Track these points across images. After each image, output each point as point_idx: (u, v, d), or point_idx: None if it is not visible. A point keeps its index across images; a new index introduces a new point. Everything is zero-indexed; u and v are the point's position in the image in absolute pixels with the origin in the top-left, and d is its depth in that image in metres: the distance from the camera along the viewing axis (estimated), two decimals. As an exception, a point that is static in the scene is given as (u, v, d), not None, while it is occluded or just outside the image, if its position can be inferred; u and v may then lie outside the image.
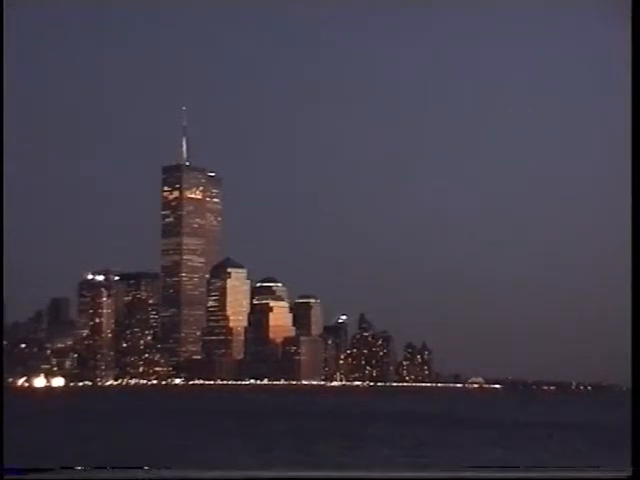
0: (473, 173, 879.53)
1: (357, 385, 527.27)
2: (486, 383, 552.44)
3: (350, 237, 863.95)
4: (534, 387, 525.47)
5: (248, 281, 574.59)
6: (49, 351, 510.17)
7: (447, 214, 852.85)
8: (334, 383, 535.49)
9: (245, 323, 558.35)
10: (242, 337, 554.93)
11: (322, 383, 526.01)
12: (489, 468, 57.08)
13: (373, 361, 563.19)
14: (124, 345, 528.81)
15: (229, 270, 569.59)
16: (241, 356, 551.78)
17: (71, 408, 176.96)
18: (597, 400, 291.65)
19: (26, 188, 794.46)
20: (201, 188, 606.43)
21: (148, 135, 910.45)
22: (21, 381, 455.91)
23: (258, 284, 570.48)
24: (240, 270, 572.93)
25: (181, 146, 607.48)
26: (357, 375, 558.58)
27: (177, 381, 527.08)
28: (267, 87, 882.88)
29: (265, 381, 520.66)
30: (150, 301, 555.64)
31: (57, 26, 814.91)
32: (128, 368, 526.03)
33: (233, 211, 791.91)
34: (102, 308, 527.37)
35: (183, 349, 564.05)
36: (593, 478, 15.16)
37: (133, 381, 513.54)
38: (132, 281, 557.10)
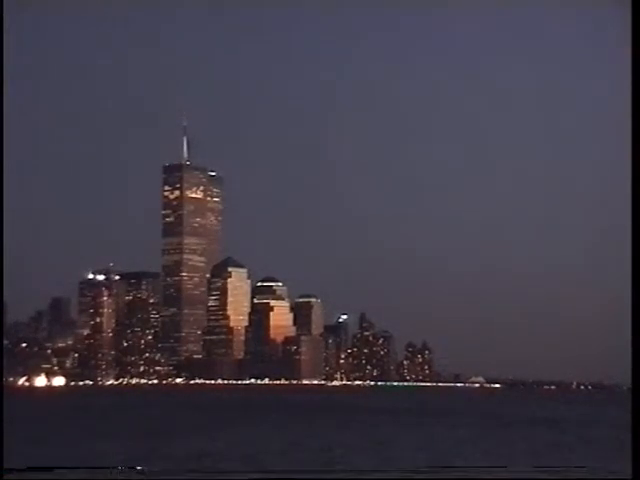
0: (473, 173, 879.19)
1: (358, 384, 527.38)
2: (486, 383, 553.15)
3: (350, 237, 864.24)
4: (534, 387, 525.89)
5: (249, 280, 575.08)
6: (50, 350, 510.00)
7: (447, 214, 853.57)
8: (335, 383, 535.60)
9: (246, 322, 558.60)
10: (243, 336, 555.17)
11: (323, 382, 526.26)
12: (489, 468, 57.28)
13: (374, 360, 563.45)
14: (125, 344, 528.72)
15: (230, 269, 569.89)
16: (242, 355, 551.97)
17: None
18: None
19: (26, 188, 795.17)
20: (202, 188, 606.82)
21: (148, 135, 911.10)
22: (22, 380, 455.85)
23: (259, 283, 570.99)
24: (241, 269, 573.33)
25: (181, 146, 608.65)
26: (358, 374, 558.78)
27: (178, 380, 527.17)
28: (267, 87, 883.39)
29: (266, 380, 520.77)
30: (151, 300, 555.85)
31: (57, 28, 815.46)
32: (129, 367, 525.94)
33: (233, 211, 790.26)
34: (103, 307, 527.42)
35: (184, 348, 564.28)
36: (593, 479, 15.17)
37: (134, 380, 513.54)
38: (133, 280, 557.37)
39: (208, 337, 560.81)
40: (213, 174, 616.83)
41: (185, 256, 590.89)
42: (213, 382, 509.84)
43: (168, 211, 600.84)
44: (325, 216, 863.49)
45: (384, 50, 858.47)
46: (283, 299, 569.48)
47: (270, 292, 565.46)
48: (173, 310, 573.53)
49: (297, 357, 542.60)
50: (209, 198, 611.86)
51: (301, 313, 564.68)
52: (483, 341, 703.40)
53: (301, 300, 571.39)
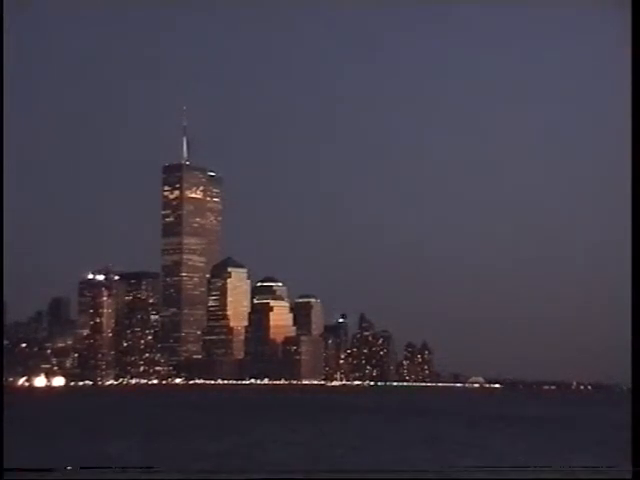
0: (472, 173, 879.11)
1: (357, 384, 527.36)
2: (486, 383, 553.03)
3: (350, 237, 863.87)
4: (534, 387, 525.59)
5: (248, 281, 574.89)
6: (49, 351, 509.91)
7: (447, 214, 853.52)
8: (334, 383, 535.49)
9: (245, 323, 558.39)
10: (242, 337, 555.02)
11: (322, 382, 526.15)
12: (488, 468, 57.25)
13: (373, 360, 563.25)
14: (124, 345, 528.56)
15: (229, 270, 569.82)
16: (241, 356, 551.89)
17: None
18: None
19: (26, 188, 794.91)
20: (201, 188, 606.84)
21: (148, 135, 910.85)
22: (21, 381, 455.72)
23: (258, 284, 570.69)
24: (240, 270, 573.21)
25: (181, 146, 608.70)
26: (357, 375, 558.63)
27: (177, 381, 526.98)
28: (267, 87, 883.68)
29: (266, 380, 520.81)
30: (150, 301, 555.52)
31: (57, 28, 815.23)
32: (128, 368, 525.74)
33: (233, 211, 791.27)
34: (102, 308, 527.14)
35: (183, 349, 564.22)
36: (593, 479, 15.14)
37: (134, 381, 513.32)
38: (133, 281, 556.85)
39: (208, 337, 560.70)
40: (213, 174, 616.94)
41: (185, 256, 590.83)
42: (213, 382, 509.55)
43: (168, 211, 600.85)
44: (325, 216, 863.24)
45: (384, 50, 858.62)
46: (283, 299, 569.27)
47: (270, 292, 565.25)
48: (173, 310, 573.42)
49: (297, 357, 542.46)
50: (209, 198, 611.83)
51: (301, 313, 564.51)
52: (483, 341, 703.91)
53: (301, 300, 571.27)
